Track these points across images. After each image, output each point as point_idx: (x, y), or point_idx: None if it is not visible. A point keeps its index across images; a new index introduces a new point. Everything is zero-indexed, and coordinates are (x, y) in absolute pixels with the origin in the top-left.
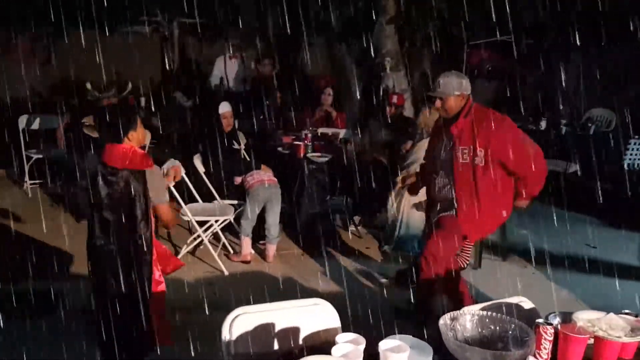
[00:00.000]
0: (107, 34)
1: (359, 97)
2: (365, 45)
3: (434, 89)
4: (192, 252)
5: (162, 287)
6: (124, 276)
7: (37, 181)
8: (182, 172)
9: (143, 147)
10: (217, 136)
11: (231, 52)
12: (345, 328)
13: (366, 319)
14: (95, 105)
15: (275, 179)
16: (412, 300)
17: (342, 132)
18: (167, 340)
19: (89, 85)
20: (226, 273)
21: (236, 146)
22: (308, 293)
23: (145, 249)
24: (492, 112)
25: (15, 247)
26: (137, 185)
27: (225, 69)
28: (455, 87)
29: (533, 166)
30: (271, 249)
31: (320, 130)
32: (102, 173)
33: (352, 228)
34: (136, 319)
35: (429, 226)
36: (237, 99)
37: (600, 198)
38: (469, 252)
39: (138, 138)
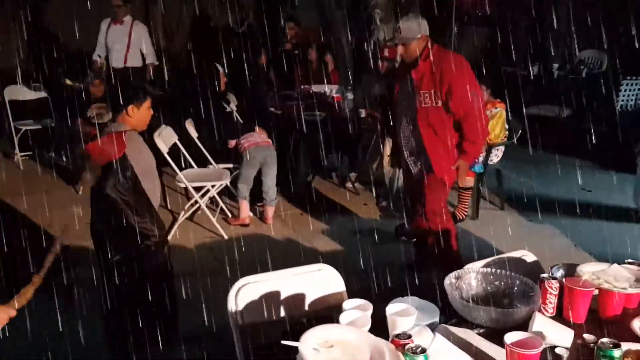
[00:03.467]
0: None
1: (350, 51)
2: None
3: (397, 36)
4: (190, 218)
5: None
6: None
7: (28, 153)
8: (175, 139)
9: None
10: (209, 99)
11: (114, 13)
12: (348, 287)
13: (368, 276)
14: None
15: (270, 141)
16: (414, 256)
17: (334, 89)
18: None
19: (68, 81)
20: (225, 237)
21: (228, 109)
22: (308, 253)
23: None
24: (451, 53)
25: (12, 220)
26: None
27: (107, 38)
28: (416, 30)
29: (474, 111)
30: (269, 211)
31: (313, 88)
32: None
33: (348, 185)
34: None
35: (408, 181)
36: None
37: (594, 141)
38: (467, 203)
39: (139, 118)
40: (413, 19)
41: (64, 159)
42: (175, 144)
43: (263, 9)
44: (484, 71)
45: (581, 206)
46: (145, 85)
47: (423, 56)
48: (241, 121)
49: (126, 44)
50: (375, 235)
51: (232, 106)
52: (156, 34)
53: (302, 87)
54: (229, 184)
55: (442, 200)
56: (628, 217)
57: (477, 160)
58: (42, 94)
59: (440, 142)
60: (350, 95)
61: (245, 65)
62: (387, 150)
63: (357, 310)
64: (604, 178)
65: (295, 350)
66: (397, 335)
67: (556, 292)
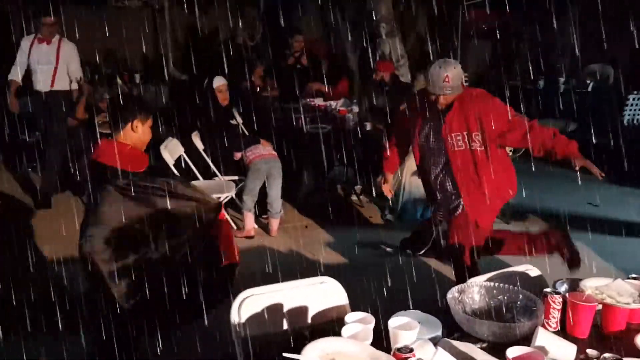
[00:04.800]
0: (98, 10)
1: (355, 64)
2: (359, 11)
3: (443, 87)
4: None
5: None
6: None
7: (33, 164)
8: (181, 151)
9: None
10: (214, 112)
11: (41, 30)
12: (351, 300)
13: (372, 289)
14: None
15: (275, 153)
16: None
17: (339, 102)
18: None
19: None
20: None
21: (234, 121)
22: (312, 265)
23: None
24: (480, 91)
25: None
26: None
27: (30, 57)
28: (461, 78)
29: (527, 122)
30: (274, 223)
31: (317, 101)
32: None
33: (354, 198)
34: None
35: (436, 221)
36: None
37: (600, 155)
38: None
39: (142, 135)
40: (453, 65)
41: (71, 170)
42: (181, 156)
43: (270, 23)
44: (489, 85)
45: (587, 220)
46: (148, 103)
47: (458, 99)
48: (247, 134)
49: (54, 65)
50: (380, 249)
51: (238, 119)
52: (165, 49)
53: (307, 100)
54: (234, 196)
55: (480, 240)
56: (634, 231)
57: None
58: None
59: (474, 185)
60: (355, 108)
61: (248, 78)
62: None
63: (359, 324)
64: (610, 192)
65: None
66: (399, 349)
67: (559, 307)
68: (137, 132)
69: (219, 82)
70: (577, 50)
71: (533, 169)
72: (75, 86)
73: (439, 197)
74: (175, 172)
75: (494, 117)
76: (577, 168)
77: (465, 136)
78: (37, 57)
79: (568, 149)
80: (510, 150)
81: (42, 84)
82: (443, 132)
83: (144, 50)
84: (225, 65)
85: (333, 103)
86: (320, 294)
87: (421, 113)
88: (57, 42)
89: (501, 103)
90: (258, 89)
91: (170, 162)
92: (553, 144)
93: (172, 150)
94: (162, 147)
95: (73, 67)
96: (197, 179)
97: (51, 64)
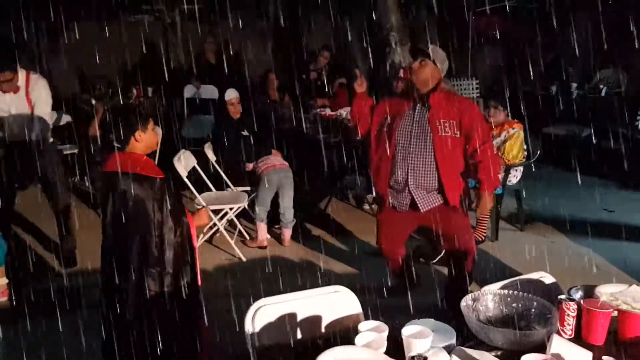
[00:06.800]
0: (109, 25)
1: (366, 74)
2: (369, 20)
3: (422, 48)
4: (209, 241)
5: None
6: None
7: None
8: (194, 163)
9: (153, 154)
10: (225, 124)
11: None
12: (365, 309)
13: (384, 297)
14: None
15: (287, 163)
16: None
17: (349, 111)
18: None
19: (93, 101)
20: (244, 259)
21: (245, 132)
22: (325, 275)
23: None
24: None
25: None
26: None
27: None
28: (438, 58)
29: (490, 151)
30: (287, 233)
31: (328, 111)
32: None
33: (365, 207)
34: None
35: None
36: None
37: (615, 160)
38: (485, 225)
39: (148, 141)
40: (441, 50)
41: (87, 183)
42: (193, 167)
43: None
44: (500, 91)
45: (603, 226)
46: (142, 108)
47: (439, 88)
48: (258, 145)
49: (29, 115)
50: None
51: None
52: (177, 62)
53: (318, 110)
54: (246, 206)
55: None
56: None
57: None
58: (67, 118)
59: (454, 172)
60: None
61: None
62: None
63: (372, 332)
64: (625, 198)
65: None
66: (413, 357)
67: (574, 314)
68: (142, 141)
69: (230, 95)
70: (590, 55)
71: (550, 174)
72: (65, 120)
73: (415, 191)
74: (189, 184)
75: (471, 117)
76: (474, 204)
77: (452, 124)
78: (3, 107)
79: (490, 180)
80: (524, 157)
81: (14, 136)
82: (430, 117)
83: (156, 63)
84: (235, 78)
85: (343, 112)
86: (333, 303)
87: (404, 103)
88: (24, 84)
89: (479, 110)
90: (269, 101)
91: (184, 174)
92: (485, 171)
93: (185, 163)
94: (175, 160)
95: (46, 110)
96: (209, 190)
97: (22, 116)
